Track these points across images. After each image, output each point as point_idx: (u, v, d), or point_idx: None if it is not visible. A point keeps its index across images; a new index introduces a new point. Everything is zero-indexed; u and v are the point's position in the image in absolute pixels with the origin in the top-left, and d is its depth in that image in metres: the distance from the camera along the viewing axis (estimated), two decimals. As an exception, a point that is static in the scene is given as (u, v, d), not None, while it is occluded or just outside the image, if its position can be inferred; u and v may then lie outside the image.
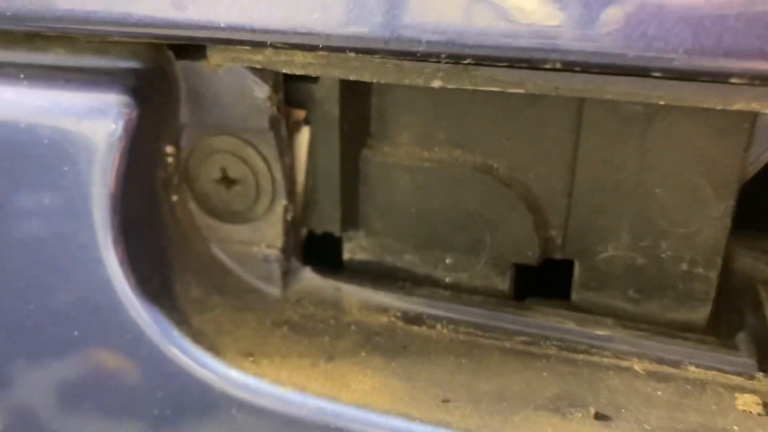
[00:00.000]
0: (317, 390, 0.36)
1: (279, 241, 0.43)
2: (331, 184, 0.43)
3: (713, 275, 0.41)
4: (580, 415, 0.35)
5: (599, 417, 0.35)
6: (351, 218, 0.45)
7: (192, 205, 0.43)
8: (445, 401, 0.36)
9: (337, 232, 0.44)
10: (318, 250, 0.46)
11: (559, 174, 0.41)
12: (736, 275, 0.45)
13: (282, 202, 0.42)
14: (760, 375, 0.38)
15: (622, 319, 0.43)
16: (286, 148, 0.41)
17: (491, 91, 0.34)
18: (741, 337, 0.40)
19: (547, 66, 0.29)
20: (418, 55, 0.30)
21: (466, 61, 0.31)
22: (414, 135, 0.43)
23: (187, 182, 0.42)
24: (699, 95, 0.31)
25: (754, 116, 0.37)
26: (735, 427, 0.35)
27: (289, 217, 0.42)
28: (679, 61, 0.27)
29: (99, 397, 0.40)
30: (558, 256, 0.43)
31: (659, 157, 0.39)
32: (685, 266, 0.41)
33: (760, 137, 0.40)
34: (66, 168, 0.36)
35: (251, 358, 0.38)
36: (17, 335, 0.41)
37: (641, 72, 0.29)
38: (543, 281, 0.46)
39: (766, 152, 0.40)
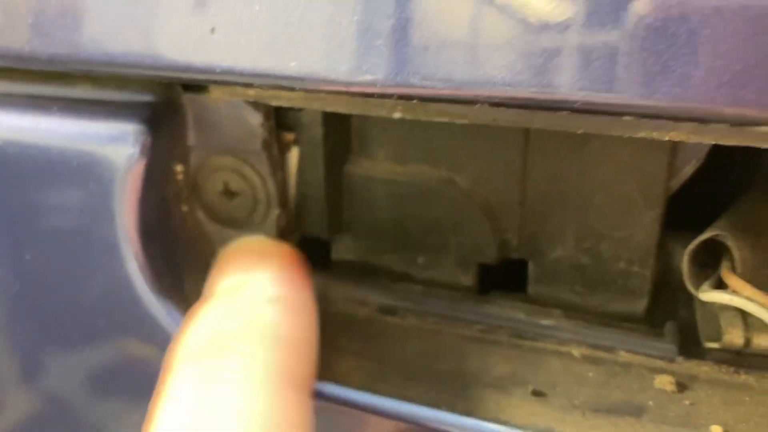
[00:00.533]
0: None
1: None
2: (318, 195, 0.50)
3: (647, 272, 0.47)
4: (520, 392, 0.42)
5: (536, 393, 0.42)
6: (336, 224, 0.52)
7: (200, 214, 0.50)
8: (409, 380, 0.43)
9: (324, 236, 0.51)
10: (311, 253, 0.53)
11: (512, 186, 0.48)
12: (674, 272, 0.51)
13: (275, 210, 0.49)
14: (680, 359, 0.45)
15: (570, 310, 0.49)
16: (278, 165, 0.48)
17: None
18: (668, 327, 0.47)
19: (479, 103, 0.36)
20: (376, 96, 0.37)
21: (414, 100, 0.38)
22: (389, 152, 0.50)
23: (195, 195, 0.50)
24: (609, 126, 0.37)
25: (673, 137, 0.44)
26: (650, 402, 0.42)
27: (282, 224, 0.49)
28: (580, 102, 0.34)
29: (119, 380, 0.47)
30: (514, 256, 0.50)
31: (596, 172, 0.46)
32: (622, 264, 0.48)
33: (683, 153, 0.47)
34: (92, 185, 0.44)
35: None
36: (52, 327, 0.48)
37: (554, 108, 0.35)
38: (512, 278, 0.53)
39: (687, 167, 0.47)
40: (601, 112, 0.34)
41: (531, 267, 0.50)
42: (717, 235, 0.43)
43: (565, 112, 0.36)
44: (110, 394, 0.49)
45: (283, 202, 0.50)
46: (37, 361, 0.49)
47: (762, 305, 0.39)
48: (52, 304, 0.47)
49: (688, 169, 0.47)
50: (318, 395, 0.42)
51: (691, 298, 0.48)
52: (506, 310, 0.48)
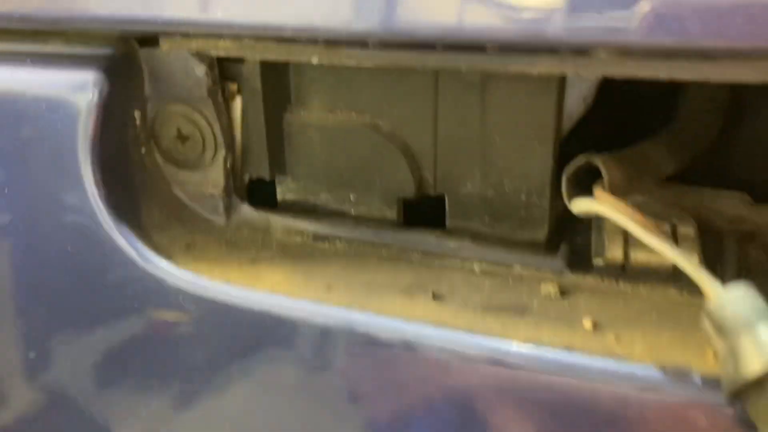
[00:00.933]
0: (238, 281, 0.51)
1: (221, 183, 0.57)
2: (261, 141, 0.57)
3: (545, 204, 0.54)
4: (422, 296, 0.49)
5: (436, 297, 0.49)
6: (278, 167, 0.59)
7: (158, 156, 0.57)
8: (329, 288, 0.50)
9: (267, 177, 0.59)
10: (260, 195, 0.60)
11: (426, 129, 0.55)
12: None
13: (222, 152, 0.56)
14: (567, 273, 0.52)
15: (481, 240, 0.56)
16: (223, 112, 0.56)
17: (376, 68, 0.48)
18: (562, 248, 0.54)
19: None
20: (295, 41, 0.45)
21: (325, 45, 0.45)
22: (322, 102, 0.57)
23: (153, 139, 0.57)
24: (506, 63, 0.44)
25: (561, 80, 0.51)
26: (534, 304, 0.48)
27: (228, 165, 0.57)
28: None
29: (81, 295, 0.54)
30: (432, 192, 0.57)
31: (496, 114, 0.53)
32: (523, 197, 0.55)
33: (571, 98, 0.54)
34: (59, 125, 0.51)
35: (194, 262, 0.52)
36: (27, 250, 0.55)
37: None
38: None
39: (576, 110, 0.54)
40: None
41: (447, 202, 0.57)
42: (591, 158, 0.50)
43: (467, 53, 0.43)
44: (72, 306, 0.56)
45: (230, 145, 0.57)
46: (9, 284, 0.57)
47: (619, 212, 0.46)
48: (29, 230, 0.54)
49: (577, 111, 0.54)
50: (248, 300, 0.49)
51: (588, 230, 0.55)
52: (422, 237, 0.55)
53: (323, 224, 0.57)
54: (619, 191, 0.49)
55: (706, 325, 0.39)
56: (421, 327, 0.46)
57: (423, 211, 0.59)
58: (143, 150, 0.56)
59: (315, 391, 0.49)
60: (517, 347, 0.44)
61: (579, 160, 0.50)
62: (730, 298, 0.38)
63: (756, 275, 0.52)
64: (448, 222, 0.57)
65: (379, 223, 0.58)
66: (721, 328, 0.38)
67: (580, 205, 0.48)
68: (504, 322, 0.47)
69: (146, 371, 0.53)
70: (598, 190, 0.48)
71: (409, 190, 0.57)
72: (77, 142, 0.51)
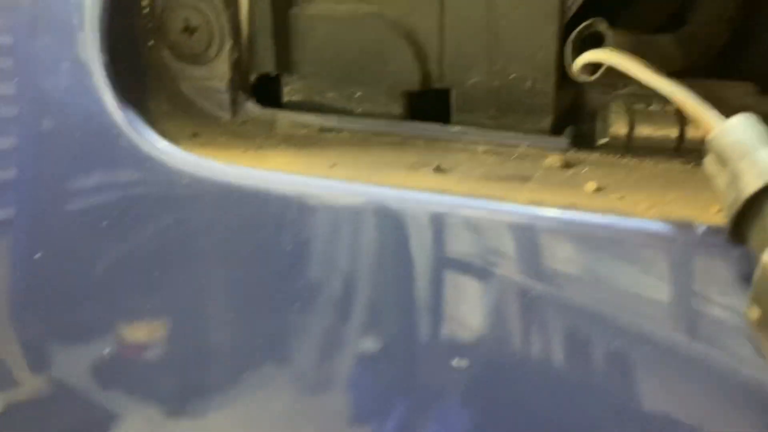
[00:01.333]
0: (245, 163, 0.51)
1: (227, 77, 0.57)
2: (266, 34, 0.57)
3: (550, 89, 0.54)
4: (425, 170, 0.49)
5: (438, 170, 0.49)
6: (284, 62, 0.59)
7: (165, 51, 0.58)
8: (333, 166, 0.50)
9: (272, 72, 0.59)
10: (266, 94, 0.60)
11: (431, 16, 0.55)
12: (581, 97, 0.57)
13: (229, 43, 0.57)
14: (572, 150, 0.51)
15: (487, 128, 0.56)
16: (231, 3, 0.56)
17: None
18: (568, 130, 0.53)
19: None
20: None
21: None
22: (328, -6, 0.57)
23: (161, 33, 0.57)
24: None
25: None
26: (537, 174, 0.48)
27: (234, 56, 0.57)
28: None
29: (89, 177, 0.55)
30: (437, 84, 0.57)
31: (501, -2, 0.53)
32: (528, 83, 0.54)
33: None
34: (66, 5, 0.52)
35: (201, 147, 0.53)
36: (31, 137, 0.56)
37: None
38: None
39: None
40: None
41: (453, 95, 0.56)
42: (596, 24, 0.49)
43: None
44: (80, 187, 0.56)
45: (236, 36, 0.57)
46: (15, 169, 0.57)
47: (622, 58, 0.44)
48: (35, 116, 0.55)
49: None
50: (257, 179, 0.49)
51: (593, 120, 0.55)
52: (427, 127, 0.55)
53: (328, 118, 0.57)
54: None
55: (710, 162, 0.39)
56: (424, 194, 0.46)
57: (428, 109, 0.59)
58: (151, 41, 0.56)
59: (317, 263, 0.48)
60: (521, 208, 0.44)
61: (584, 26, 0.49)
62: (731, 127, 0.38)
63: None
64: (453, 116, 0.57)
65: (385, 116, 0.58)
66: (723, 159, 0.37)
67: (583, 59, 0.47)
68: (505, 188, 0.46)
69: (150, 253, 0.54)
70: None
71: (415, 82, 0.57)
72: (84, 23, 0.52)
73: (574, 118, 0.56)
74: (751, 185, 0.35)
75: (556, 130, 0.55)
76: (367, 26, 0.56)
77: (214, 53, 0.57)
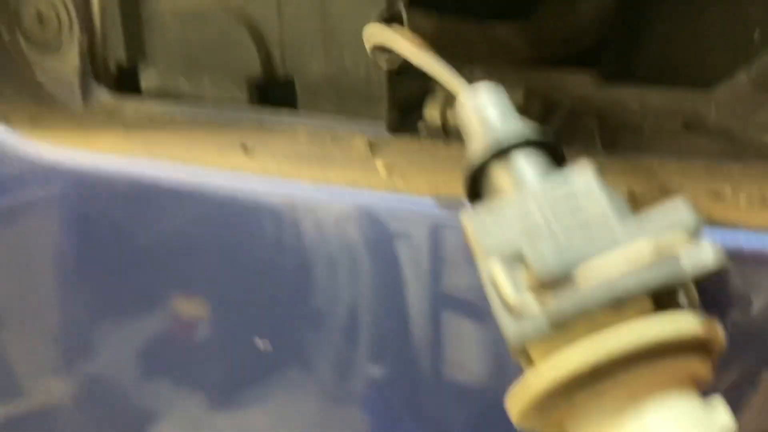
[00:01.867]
0: (71, 143, 0.52)
1: (77, 65, 0.59)
2: (116, 25, 0.59)
3: (383, 77, 0.54)
4: (231, 148, 0.49)
5: (244, 148, 0.49)
6: (137, 52, 0.60)
7: (22, 42, 0.59)
8: (149, 146, 0.51)
9: (125, 63, 0.60)
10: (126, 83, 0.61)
11: (271, 4, 0.55)
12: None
13: (77, 35, 0.58)
14: (386, 135, 0.51)
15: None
16: (78, -5, 0.57)
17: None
18: (389, 113, 0.52)
19: None
20: None
21: None
22: (176, -15, 0.58)
23: (18, 25, 0.59)
24: None
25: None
26: (338, 154, 0.48)
27: (85, 46, 0.58)
28: None
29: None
30: (281, 72, 0.57)
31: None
32: (363, 71, 0.54)
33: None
34: None
35: (47, 136, 0.54)
36: None
37: None
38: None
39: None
40: None
41: (297, 85, 0.57)
42: (395, 3, 0.49)
43: None
44: None
45: (86, 27, 0.58)
46: None
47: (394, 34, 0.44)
48: None
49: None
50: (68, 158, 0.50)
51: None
52: (269, 112, 0.55)
53: (173, 106, 0.58)
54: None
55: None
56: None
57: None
58: (7, 38, 0.58)
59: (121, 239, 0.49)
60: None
61: (386, 8, 0.49)
62: (472, 94, 0.38)
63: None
64: (299, 103, 0.57)
65: (231, 103, 0.58)
66: (464, 125, 0.38)
67: (367, 31, 0.47)
68: (304, 167, 0.46)
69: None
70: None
71: (256, 69, 0.57)
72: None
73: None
74: (479, 150, 0.35)
75: (406, 118, 0.54)
76: (211, 15, 0.57)
77: (64, 42, 0.59)
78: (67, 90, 0.59)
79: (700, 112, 0.52)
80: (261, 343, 0.47)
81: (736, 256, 0.35)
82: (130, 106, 0.59)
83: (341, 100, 0.56)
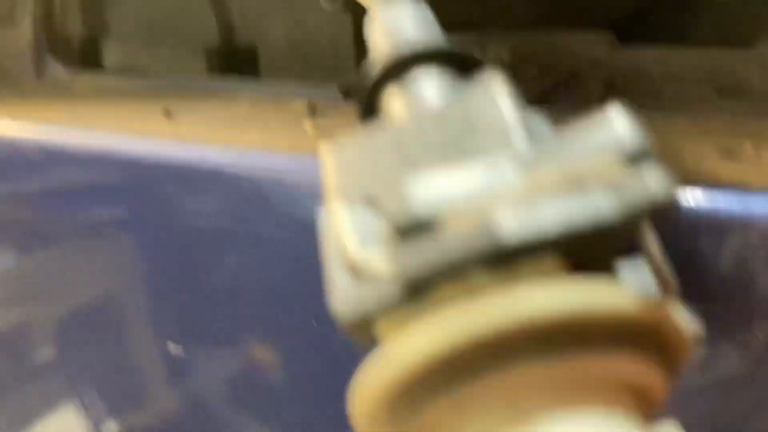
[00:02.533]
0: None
1: (31, 39, 0.53)
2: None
3: (350, 41, 0.46)
4: (154, 114, 0.42)
5: (167, 113, 0.42)
6: (95, 27, 0.54)
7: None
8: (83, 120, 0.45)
9: (85, 38, 0.54)
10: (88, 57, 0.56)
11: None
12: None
13: (30, 8, 0.53)
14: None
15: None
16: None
17: None
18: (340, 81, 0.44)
19: None
20: None
21: None
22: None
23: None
24: None
25: None
26: (276, 123, 0.40)
27: (38, 22, 0.53)
28: None
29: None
30: (244, 40, 0.50)
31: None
32: (327, 37, 0.47)
33: None
34: None
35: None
36: None
37: None
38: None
39: None
40: None
41: (260, 54, 0.50)
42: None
43: None
44: None
45: (43, 2, 0.53)
46: None
47: None
48: None
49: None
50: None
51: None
52: (224, 80, 0.49)
53: (132, 81, 0.52)
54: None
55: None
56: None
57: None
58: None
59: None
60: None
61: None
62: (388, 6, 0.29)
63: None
64: (263, 72, 0.50)
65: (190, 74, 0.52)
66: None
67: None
68: (237, 134, 0.39)
69: None
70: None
71: (217, 40, 0.50)
72: None
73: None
74: (375, 68, 0.26)
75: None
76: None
77: (18, 16, 0.54)
78: (21, 64, 0.54)
79: (739, 75, 0.42)
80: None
81: (741, 221, 0.25)
82: (85, 80, 0.53)
83: (306, 66, 0.48)
